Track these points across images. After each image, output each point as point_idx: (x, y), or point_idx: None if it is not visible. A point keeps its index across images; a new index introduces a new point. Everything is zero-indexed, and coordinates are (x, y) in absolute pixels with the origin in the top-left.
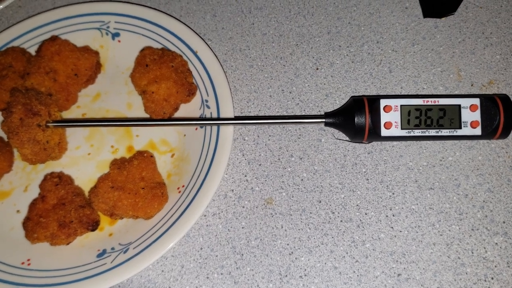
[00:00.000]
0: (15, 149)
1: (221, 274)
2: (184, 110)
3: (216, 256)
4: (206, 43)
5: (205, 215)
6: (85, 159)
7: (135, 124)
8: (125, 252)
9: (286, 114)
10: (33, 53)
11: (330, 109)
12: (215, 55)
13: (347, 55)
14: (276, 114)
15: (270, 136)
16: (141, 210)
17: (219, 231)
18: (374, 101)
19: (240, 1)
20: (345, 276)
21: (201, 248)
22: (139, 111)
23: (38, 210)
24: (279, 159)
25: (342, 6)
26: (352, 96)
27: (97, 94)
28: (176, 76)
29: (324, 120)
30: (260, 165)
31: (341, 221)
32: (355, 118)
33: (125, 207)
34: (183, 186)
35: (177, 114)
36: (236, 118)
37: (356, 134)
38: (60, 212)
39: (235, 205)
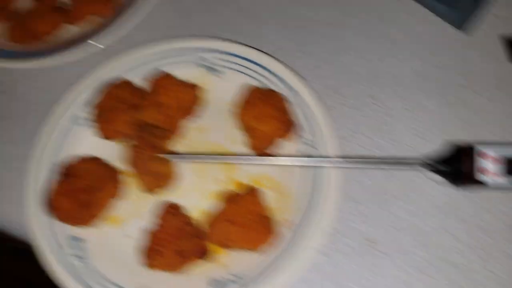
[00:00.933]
0: (128, 178)
1: None
2: (286, 148)
3: None
4: (306, 82)
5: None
6: (192, 189)
7: (241, 162)
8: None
9: (381, 154)
10: (140, 85)
11: (425, 151)
12: (315, 94)
13: (439, 99)
14: (371, 154)
15: (369, 176)
16: (252, 243)
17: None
18: (478, 148)
19: (332, 39)
20: None
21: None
22: (242, 146)
23: (156, 238)
24: (379, 199)
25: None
26: (454, 143)
27: (200, 127)
28: (278, 114)
29: (426, 163)
30: (359, 203)
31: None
32: (461, 165)
33: (238, 240)
34: (290, 221)
35: (277, 150)
36: (340, 157)
37: (459, 180)
38: (177, 242)
39: (338, 242)
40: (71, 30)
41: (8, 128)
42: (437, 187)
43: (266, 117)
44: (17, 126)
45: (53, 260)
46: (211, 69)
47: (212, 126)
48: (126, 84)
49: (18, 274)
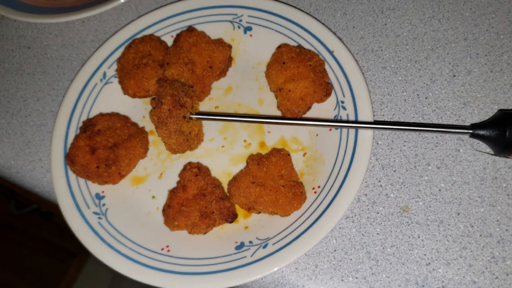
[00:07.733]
0: (152, 137)
1: (356, 278)
2: (317, 110)
3: (351, 259)
4: (343, 42)
5: None
6: (219, 151)
7: (273, 122)
8: (264, 247)
9: (422, 121)
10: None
11: (468, 118)
12: (352, 55)
13: (485, 63)
14: (411, 120)
15: (405, 142)
16: (281, 208)
17: (353, 234)
18: None
19: (372, 0)
20: None
21: (335, 250)
22: (270, 108)
23: (179, 199)
24: (415, 166)
25: (479, 13)
26: (501, 110)
27: (228, 87)
28: (313, 76)
29: (471, 131)
30: (394, 171)
31: (481, 235)
32: (507, 133)
33: (266, 203)
34: (318, 186)
35: (309, 114)
36: (376, 122)
37: (505, 149)
38: (201, 203)
39: (369, 210)
40: None
41: (32, 83)
42: (481, 156)
43: (300, 78)
44: (43, 81)
45: (76, 219)
46: (242, 26)
47: (242, 87)
48: (152, 40)
49: (41, 235)
